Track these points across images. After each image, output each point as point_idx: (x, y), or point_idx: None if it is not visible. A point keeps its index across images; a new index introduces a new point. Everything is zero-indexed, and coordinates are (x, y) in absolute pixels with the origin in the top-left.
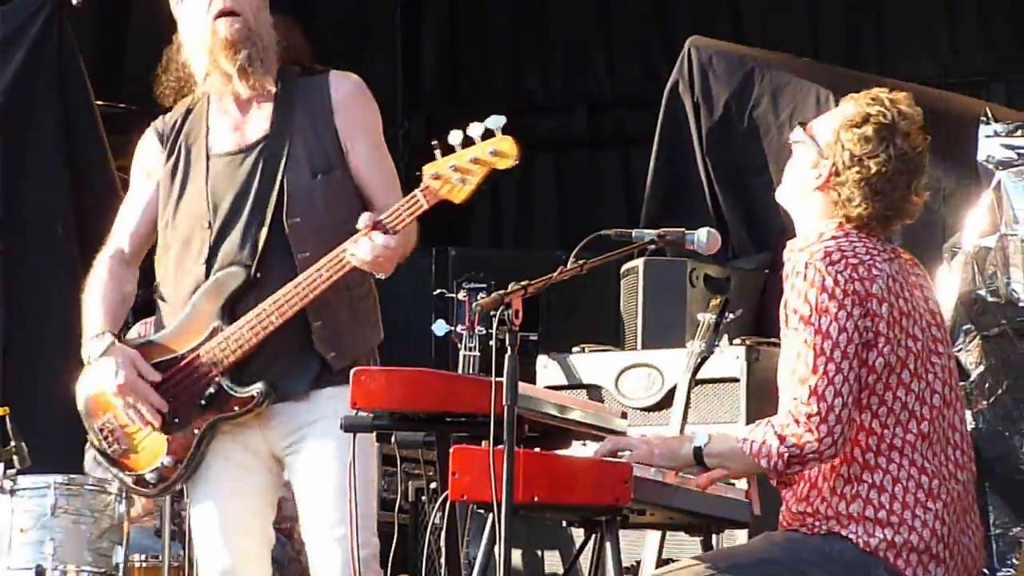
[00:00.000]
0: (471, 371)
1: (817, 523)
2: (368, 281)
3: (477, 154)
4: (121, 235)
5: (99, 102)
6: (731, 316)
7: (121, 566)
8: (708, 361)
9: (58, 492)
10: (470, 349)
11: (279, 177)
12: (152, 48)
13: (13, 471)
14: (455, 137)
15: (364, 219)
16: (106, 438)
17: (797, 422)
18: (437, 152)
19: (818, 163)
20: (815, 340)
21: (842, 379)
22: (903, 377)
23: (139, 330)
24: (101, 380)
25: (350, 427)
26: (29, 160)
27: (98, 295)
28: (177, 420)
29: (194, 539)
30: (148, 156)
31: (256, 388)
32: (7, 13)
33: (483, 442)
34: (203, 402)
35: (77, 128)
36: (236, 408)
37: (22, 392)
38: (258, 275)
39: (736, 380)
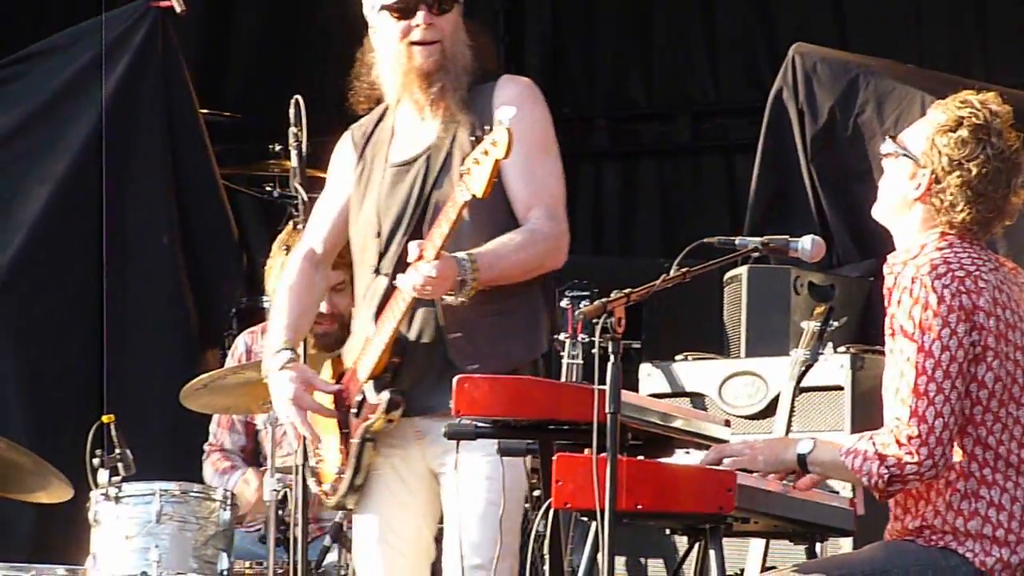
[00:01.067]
0: (574, 379)
1: (934, 536)
2: (521, 294)
3: (484, 145)
4: (314, 235)
5: (203, 110)
6: (835, 324)
7: (226, 573)
8: (812, 369)
9: (163, 499)
10: (573, 357)
11: (429, 189)
12: (256, 58)
13: (118, 478)
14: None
15: (412, 249)
16: (312, 451)
17: (899, 443)
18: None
19: (915, 173)
20: (918, 359)
21: (943, 399)
22: (1014, 392)
23: (245, 340)
24: (275, 400)
25: (453, 435)
26: (134, 168)
27: (284, 305)
28: (346, 431)
29: (354, 552)
30: (342, 161)
31: (384, 395)
32: (111, 21)
33: (586, 450)
34: (355, 411)
35: (181, 136)
36: (370, 415)
37: (127, 399)
38: (394, 285)
39: (840, 388)
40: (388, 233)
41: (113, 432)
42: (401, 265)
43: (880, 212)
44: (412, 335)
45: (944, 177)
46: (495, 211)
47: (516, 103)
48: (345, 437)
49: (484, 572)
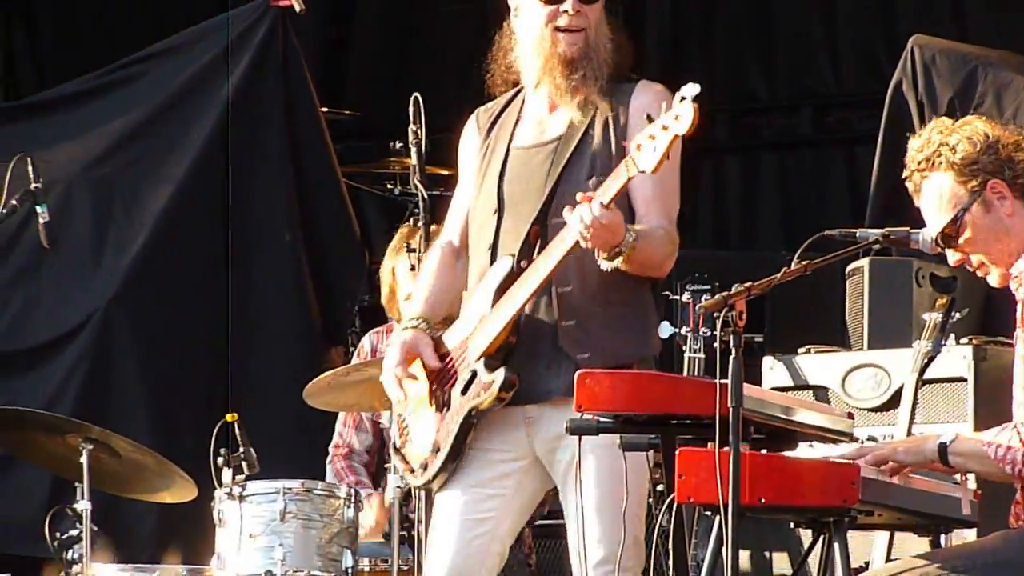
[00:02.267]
0: (696, 373)
1: None
2: (633, 290)
3: (664, 120)
4: (452, 227)
5: (323, 109)
6: (957, 315)
7: (351, 570)
8: (935, 361)
9: (288, 497)
10: (695, 351)
11: (557, 176)
12: (375, 56)
13: (242, 477)
14: (662, 108)
15: (580, 195)
16: (398, 430)
17: None
18: (647, 123)
19: (987, 198)
20: None
21: None
22: None
23: (371, 339)
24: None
25: (575, 430)
26: (256, 167)
27: (425, 286)
28: (447, 408)
29: (430, 528)
30: (467, 149)
31: (499, 373)
32: (232, 19)
33: (709, 444)
34: (462, 389)
35: (302, 134)
36: (481, 393)
37: (251, 397)
38: (522, 264)
39: (964, 380)
40: (510, 214)
41: (237, 430)
42: (527, 248)
43: (997, 263)
44: (527, 319)
45: (1005, 169)
46: (622, 203)
47: (651, 108)
48: (443, 416)
49: (609, 566)
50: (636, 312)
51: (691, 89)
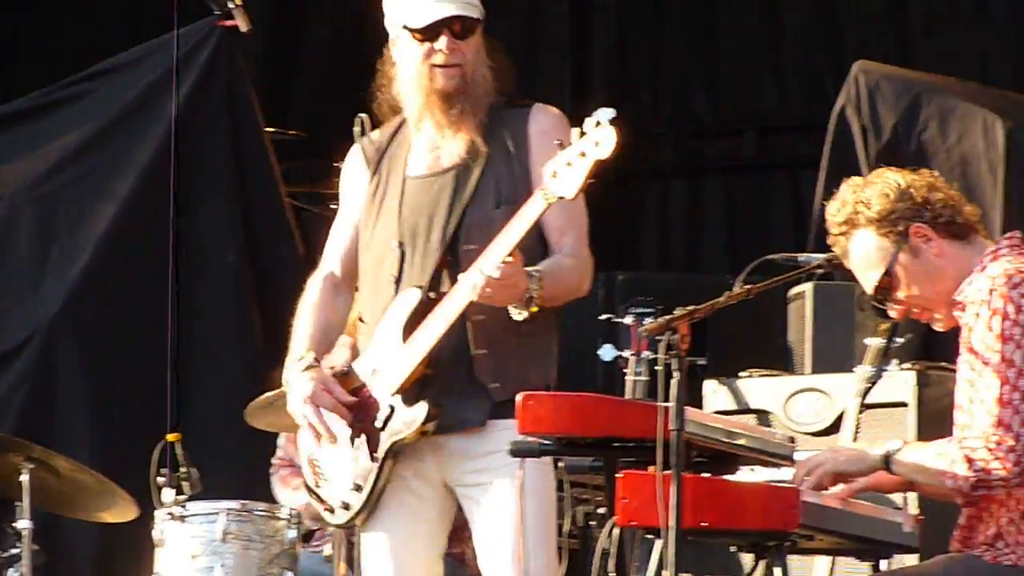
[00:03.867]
0: (639, 396)
1: (1006, 549)
2: (544, 318)
3: (581, 146)
4: (332, 258)
5: (268, 128)
6: (900, 340)
7: None
8: (877, 386)
9: (229, 518)
10: (637, 374)
11: (463, 205)
12: (321, 76)
13: (183, 497)
14: (575, 134)
15: (493, 252)
16: (310, 470)
17: (988, 449)
18: (559, 150)
19: (913, 244)
20: (1000, 368)
21: None
22: None
23: None
24: (291, 400)
25: (518, 452)
26: (199, 186)
27: (306, 321)
28: (365, 445)
29: (364, 569)
30: (352, 178)
31: (419, 407)
32: (177, 39)
33: (651, 467)
34: (380, 425)
35: (247, 154)
36: (403, 429)
37: (192, 417)
38: (431, 296)
39: (905, 405)
40: (414, 245)
41: (178, 450)
42: (437, 278)
43: (937, 307)
44: (438, 349)
45: (925, 211)
46: (530, 235)
47: (554, 131)
48: (361, 454)
49: None
50: (543, 339)
51: (606, 113)
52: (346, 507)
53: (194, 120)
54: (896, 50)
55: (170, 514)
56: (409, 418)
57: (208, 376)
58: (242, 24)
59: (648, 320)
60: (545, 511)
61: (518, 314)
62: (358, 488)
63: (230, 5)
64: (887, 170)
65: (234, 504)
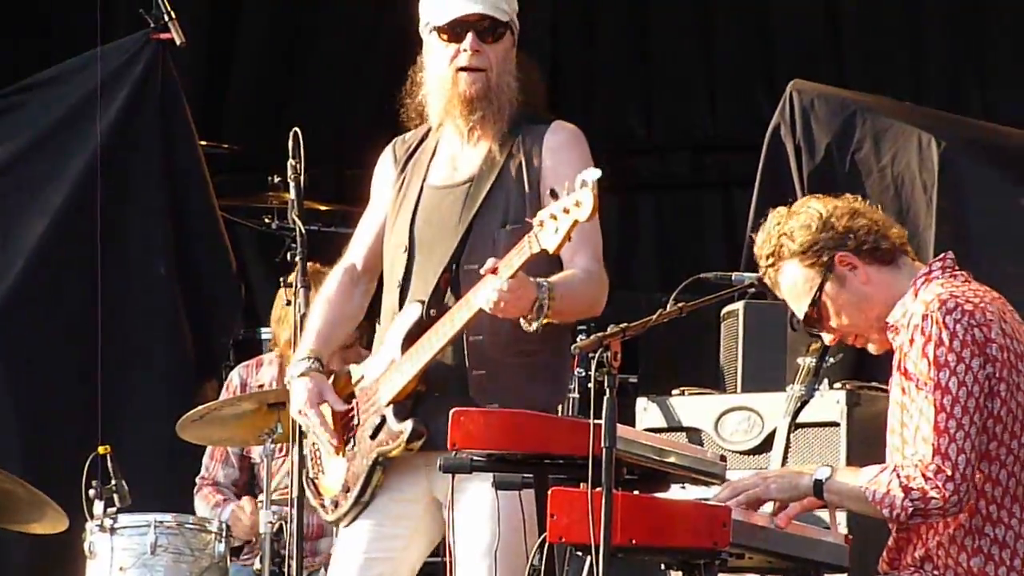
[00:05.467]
0: (570, 413)
1: (936, 572)
2: (549, 337)
3: (565, 203)
4: (355, 251)
5: (202, 142)
6: (831, 360)
7: None
8: (808, 405)
9: (159, 531)
10: (569, 391)
11: (469, 222)
12: (255, 89)
13: (113, 509)
14: (563, 191)
15: (488, 263)
16: (312, 460)
17: (925, 477)
18: (550, 199)
19: (839, 272)
20: (935, 396)
21: (963, 435)
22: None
23: (240, 373)
24: (290, 403)
25: (449, 468)
26: (131, 199)
27: (319, 314)
28: (356, 449)
29: (332, 561)
30: (382, 178)
31: (407, 425)
32: (109, 52)
33: (581, 484)
34: (371, 433)
35: (180, 167)
36: (389, 442)
37: (123, 430)
38: (432, 313)
39: (836, 424)
40: (421, 255)
41: (109, 463)
42: (437, 294)
43: (867, 333)
44: (436, 367)
45: (849, 242)
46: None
47: (569, 150)
48: (352, 456)
49: None
50: (551, 360)
51: (592, 174)
52: (336, 505)
53: (128, 133)
54: (831, 70)
55: (100, 526)
56: (396, 433)
57: (139, 389)
58: (176, 37)
59: (580, 337)
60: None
61: (529, 325)
62: (347, 490)
63: (165, 18)
64: (810, 199)
65: (165, 517)
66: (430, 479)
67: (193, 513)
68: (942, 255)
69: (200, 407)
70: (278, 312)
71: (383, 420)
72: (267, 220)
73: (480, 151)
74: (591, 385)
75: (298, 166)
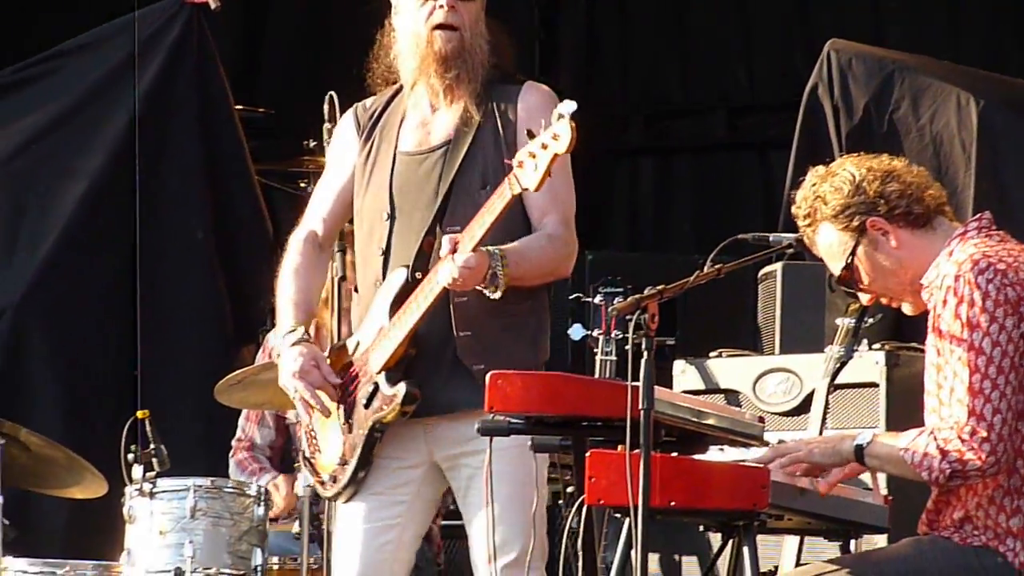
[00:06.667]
0: (608, 375)
1: (975, 532)
2: (529, 297)
3: (543, 138)
4: (314, 218)
5: (237, 106)
6: (870, 320)
7: (260, 569)
8: (847, 366)
9: (198, 495)
10: (607, 353)
11: (449, 184)
12: (290, 54)
13: (153, 474)
14: (542, 125)
15: (446, 242)
16: (306, 440)
17: (961, 439)
18: (528, 140)
19: (871, 236)
20: (969, 357)
21: (999, 395)
22: None
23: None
24: (281, 374)
25: (486, 431)
26: (168, 165)
27: (290, 286)
28: (351, 421)
29: (336, 537)
30: (344, 142)
31: (400, 387)
32: (145, 16)
33: (619, 446)
34: (365, 402)
35: (216, 132)
36: (384, 407)
37: (162, 395)
38: (417, 276)
39: (876, 385)
40: (402, 220)
41: (148, 427)
42: (422, 258)
43: (901, 297)
44: (424, 331)
45: (881, 206)
46: (511, 214)
47: (541, 110)
48: (348, 428)
49: (520, 567)
50: (531, 318)
51: (568, 107)
52: (334, 480)
53: (163, 98)
54: (869, 29)
55: (139, 490)
56: (389, 397)
57: (177, 353)
58: (211, 1)
59: (617, 300)
60: (522, 494)
61: (491, 293)
62: (344, 463)
63: None
64: (847, 160)
65: (203, 481)
66: (430, 445)
67: (227, 473)
68: (979, 215)
69: (238, 371)
70: None
71: (376, 387)
72: (303, 184)
73: (454, 113)
74: (629, 347)
75: (334, 129)
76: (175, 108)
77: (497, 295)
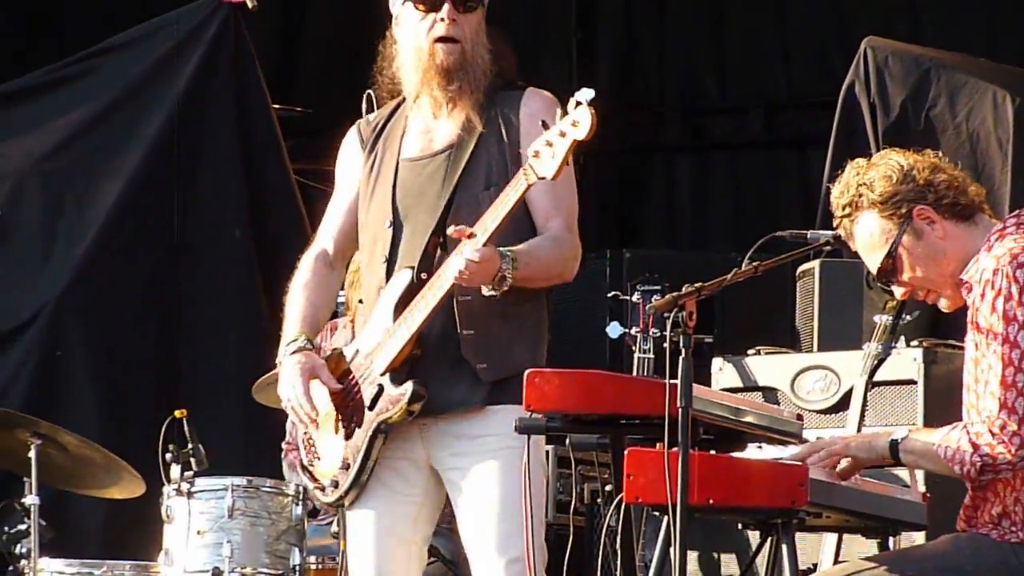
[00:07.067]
0: (645, 373)
1: (1013, 528)
2: (531, 298)
3: (561, 126)
4: (325, 236)
5: (275, 105)
6: (908, 318)
7: (299, 568)
8: (885, 363)
9: (236, 494)
10: (644, 351)
11: (453, 187)
12: (327, 53)
13: (191, 473)
14: (558, 115)
15: (450, 230)
16: (304, 447)
17: (992, 433)
18: (543, 130)
19: (916, 225)
20: (1003, 350)
21: None
22: None
23: None
24: (279, 383)
25: (525, 429)
26: (206, 164)
27: (299, 300)
28: (353, 424)
29: (349, 547)
30: (349, 158)
31: (407, 386)
32: (183, 16)
33: (658, 444)
34: (368, 404)
35: (253, 131)
36: (390, 407)
37: (199, 394)
38: (422, 276)
39: (913, 382)
40: (406, 226)
41: (186, 427)
42: (427, 259)
43: (942, 288)
44: (427, 330)
45: (929, 195)
46: (516, 218)
47: (541, 114)
48: (348, 433)
49: (520, 565)
50: (531, 320)
51: (586, 94)
52: (335, 485)
53: (201, 98)
54: (905, 26)
55: (177, 490)
56: (395, 397)
57: (215, 352)
58: (248, 1)
59: (655, 297)
60: (537, 489)
61: (488, 291)
62: (347, 467)
63: None
64: (891, 152)
65: (241, 480)
66: (427, 446)
67: (272, 475)
68: (1016, 211)
69: (275, 370)
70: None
71: (380, 389)
72: None
73: (456, 121)
74: (667, 345)
75: None
76: (212, 107)
77: (493, 294)
